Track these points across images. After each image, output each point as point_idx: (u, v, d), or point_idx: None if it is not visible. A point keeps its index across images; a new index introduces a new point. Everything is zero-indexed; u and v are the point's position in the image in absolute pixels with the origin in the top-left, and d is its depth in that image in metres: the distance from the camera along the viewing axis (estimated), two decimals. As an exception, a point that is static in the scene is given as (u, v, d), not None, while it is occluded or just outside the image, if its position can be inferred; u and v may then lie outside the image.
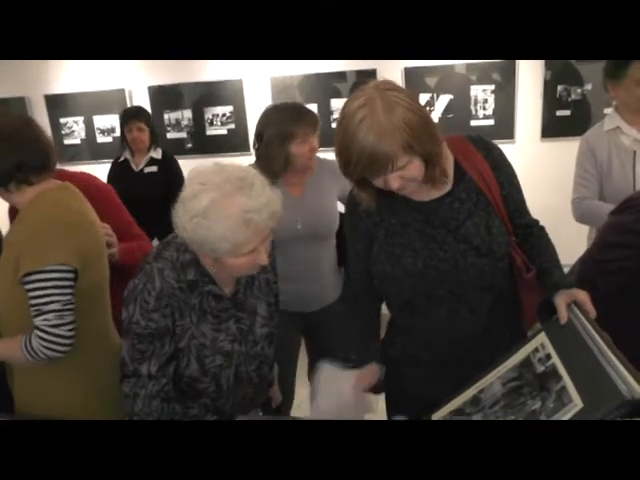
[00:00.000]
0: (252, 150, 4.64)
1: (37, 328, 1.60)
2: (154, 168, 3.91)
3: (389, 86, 1.32)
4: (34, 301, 1.60)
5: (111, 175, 4.01)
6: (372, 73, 4.39)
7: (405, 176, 1.34)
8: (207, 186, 1.34)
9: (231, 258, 1.41)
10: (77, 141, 5.27)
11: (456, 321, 1.50)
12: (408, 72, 4.40)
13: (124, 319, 1.50)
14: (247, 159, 4.70)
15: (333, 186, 2.39)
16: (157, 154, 3.95)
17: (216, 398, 1.62)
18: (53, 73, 5.17)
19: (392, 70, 4.29)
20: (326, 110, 4.53)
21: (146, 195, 3.64)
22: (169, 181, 3.77)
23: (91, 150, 5.22)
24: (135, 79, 4.98)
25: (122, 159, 4.00)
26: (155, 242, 3.38)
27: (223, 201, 1.32)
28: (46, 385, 1.74)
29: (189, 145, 4.99)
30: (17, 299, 1.65)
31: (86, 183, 2.00)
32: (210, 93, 4.81)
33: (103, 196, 2.10)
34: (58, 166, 1.84)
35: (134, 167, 3.95)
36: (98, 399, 1.77)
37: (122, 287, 1.54)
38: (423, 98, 4.42)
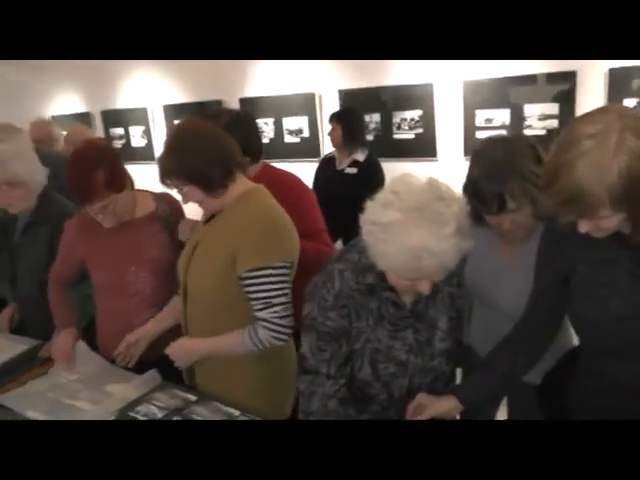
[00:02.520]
0: (438, 156, 4.73)
1: (263, 320, 1.76)
2: (354, 170, 4.09)
3: (634, 118, 1.13)
4: (261, 294, 1.75)
5: (318, 170, 4.35)
6: (570, 75, 4.09)
7: (601, 226, 1.22)
8: (400, 203, 1.31)
9: (390, 274, 1.43)
10: (266, 141, 5.64)
11: None
12: (614, 74, 4.09)
13: (305, 315, 1.58)
14: (432, 165, 4.76)
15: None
16: (360, 156, 4.11)
17: (387, 407, 1.64)
18: (248, 78, 5.60)
19: (594, 71, 3.98)
20: (518, 117, 4.33)
21: (340, 196, 3.79)
22: (365, 185, 3.88)
23: (279, 149, 5.54)
24: (326, 83, 5.18)
25: (330, 156, 4.31)
26: (339, 244, 3.56)
27: (406, 227, 1.28)
28: (229, 373, 1.89)
29: (375, 148, 4.98)
30: (231, 294, 1.80)
31: (292, 184, 2.24)
32: (400, 97, 4.84)
33: (299, 197, 2.25)
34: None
35: (337, 165, 4.20)
36: (280, 391, 1.91)
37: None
38: (629, 104, 4.10)
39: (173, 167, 1.75)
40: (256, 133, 2.35)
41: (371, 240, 1.37)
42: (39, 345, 2.31)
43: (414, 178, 1.36)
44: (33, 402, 1.93)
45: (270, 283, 1.75)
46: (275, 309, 1.75)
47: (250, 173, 2.19)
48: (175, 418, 1.77)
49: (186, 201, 1.84)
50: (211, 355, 1.88)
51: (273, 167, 2.42)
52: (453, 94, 4.61)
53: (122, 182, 2.06)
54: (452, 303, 1.62)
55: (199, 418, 1.78)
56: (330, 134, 4.22)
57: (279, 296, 1.76)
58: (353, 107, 4.52)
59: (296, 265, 1.86)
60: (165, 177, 1.78)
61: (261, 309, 1.76)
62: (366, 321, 1.54)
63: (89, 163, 1.97)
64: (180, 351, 1.91)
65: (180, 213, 2.26)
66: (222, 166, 1.76)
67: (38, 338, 2.36)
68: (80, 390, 1.99)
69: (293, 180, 2.41)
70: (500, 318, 1.75)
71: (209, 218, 1.93)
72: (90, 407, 1.87)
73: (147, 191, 2.31)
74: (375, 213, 1.35)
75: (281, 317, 1.76)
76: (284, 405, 1.97)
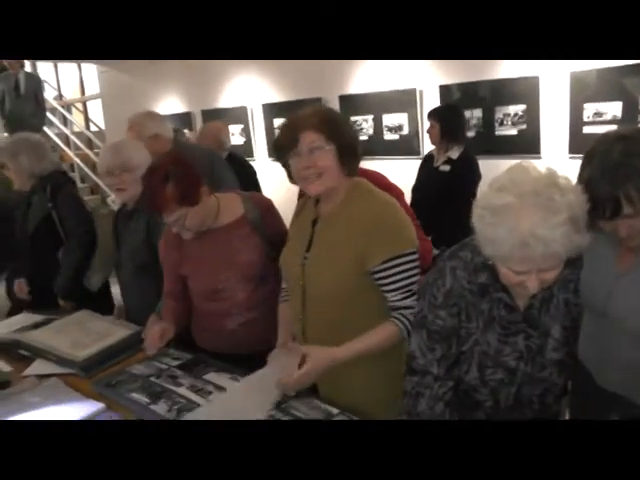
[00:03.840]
0: (542, 153, 4.61)
1: (410, 307, 1.73)
2: (447, 168, 4.08)
3: None
4: (400, 284, 1.74)
5: (419, 168, 4.38)
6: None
7: None
8: (515, 188, 1.29)
9: (499, 265, 1.38)
10: (365, 138, 5.71)
11: None
12: None
13: (416, 313, 1.59)
14: (536, 163, 4.62)
15: None
16: (453, 154, 4.10)
17: (492, 414, 1.61)
18: (348, 75, 5.69)
19: None
20: (632, 110, 4.13)
21: (434, 194, 3.83)
22: (457, 183, 3.90)
23: (378, 147, 5.59)
24: (426, 78, 5.18)
25: (430, 153, 4.35)
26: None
27: (518, 211, 1.26)
28: (347, 373, 1.83)
29: (476, 145, 4.89)
30: (356, 290, 1.79)
31: (378, 182, 2.24)
32: (503, 91, 4.75)
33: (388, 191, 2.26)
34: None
35: (434, 163, 4.22)
36: (396, 390, 1.79)
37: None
38: None
39: (327, 124, 1.76)
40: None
41: (480, 225, 1.34)
42: (142, 331, 2.39)
43: (532, 165, 1.35)
44: (138, 385, 2.07)
45: (406, 271, 1.74)
46: (416, 296, 1.73)
47: None
48: (273, 413, 1.79)
49: (319, 164, 1.75)
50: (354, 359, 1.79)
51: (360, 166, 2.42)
52: (559, 86, 4.47)
53: (194, 196, 2.06)
54: (568, 311, 1.54)
55: (298, 414, 1.80)
56: (429, 131, 4.24)
57: (416, 282, 1.75)
58: (453, 104, 4.52)
59: None
60: (310, 130, 1.75)
61: (403, 298, 1.75)
62: (476, 322, 1.52)
63: (160, 177, 2.01)
64: (324, 363, 1.75)
65: (270, 213, 2.27)
66: (356, 149, 1.81)
67: (139, 323, 2.49)
68: (181, 377, 2.11)
69: (379, 177, 2.39)
70: (610, 329, 1.60)
71: (315, 218, 1.92)
72: (191, 395, 1.97)
73: (235, 193, 2.34)
74: (488, 197, 1.33)
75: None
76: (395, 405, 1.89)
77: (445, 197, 3.78)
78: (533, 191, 1.27)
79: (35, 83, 7.97)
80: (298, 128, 1.76)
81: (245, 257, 2.18)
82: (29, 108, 7.44)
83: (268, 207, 2.29)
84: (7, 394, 2.07)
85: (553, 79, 4.50)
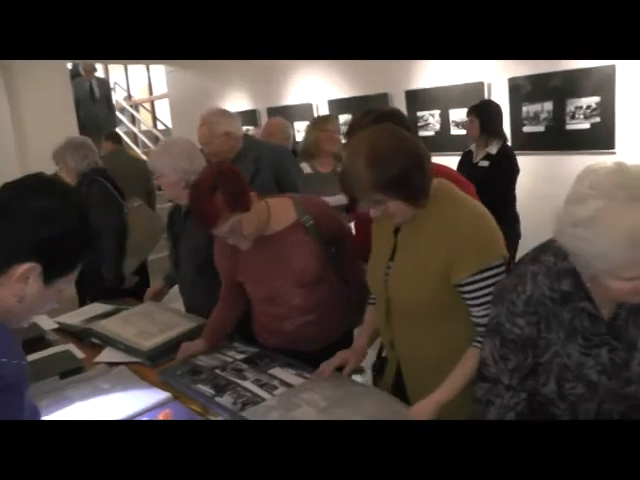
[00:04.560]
0: (616, 148, 4.44)
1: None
2: (486, 163, 4.16)
3: None
4: (487, 298, 1.64)
5: (458, 165, 4.41)
6: None
7: None
8: (596, 191, 1.19)
9: (608, 279, 1.26)
10: (431, 133, 5.67)
11: None
12: None
13: (491, 318, 1.52)
14: (610, 158, 4.48)
15: None
16: (492, 149, 4.16)
17: None
18: (414, 70, 5.65)
19: None
20: None
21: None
22: (495, 178, 3.99)
23: (445, 142, 5.53)
24: (495, 71, 5.09)
25: (468, 149, 4.43)
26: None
27: (612, 212, 1.16)
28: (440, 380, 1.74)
29: (546, 140, 4.85)
30: (445, 302, 1.72)
31: (449, 177, 2.21)
32: (574, 83, 4.59)
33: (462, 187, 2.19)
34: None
35: (473, 159, 4.30)
36: None
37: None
38: None
39: (374, 182, 1.61)
40: (408, 128, 2.23)
41: (577, 244, 1.24)
42: (205, 324, 2.48)
43: (595, 164, 1.26)
44: (203, 377, 2.13)
45: (492, 285, 1.64)
46: None
47: None
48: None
49: (387, 212, 1.69)
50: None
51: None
52: (637, 76, 4.27)
53: (245, 200, 2.03)
54: None
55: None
56: (467, 126, 4.34)
57: None
58: (492, 100, 4.60)
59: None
60: (363, 194, 1.66)
61: (484, 315, 1.65)
62: (557, 333, 1.43)
63: (207, 188, 1.98)
64: (430, 412, 1.68)
65: (325, 216, 2.24)
66: (422, 169, 1.65)
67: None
68: (246, 370, 2.15)
69: (449, 171, 2.38)
70: None
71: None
72: (256, 389, 2.01)
73: (288, 197, 2.30)
74: (571, 213, 1.23)
75: None
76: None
77: (484, 192, 3.74)
78: (618, 184, 1.18)
79: (106, 87, 8.49)
80: (353, 190, 1.68)
81: (300, 264, 2.17)
82: (103, 112, 7.79)
83: (322, 210, 2.27)
84: (80, 379, 2.18)
85: (631, 67, 4.28)
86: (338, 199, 3.21)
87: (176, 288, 2.97)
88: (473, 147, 4.35)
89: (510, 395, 1.48)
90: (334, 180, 3.21)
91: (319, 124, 4.09)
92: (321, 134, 3.99)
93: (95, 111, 7.91)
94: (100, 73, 12.09)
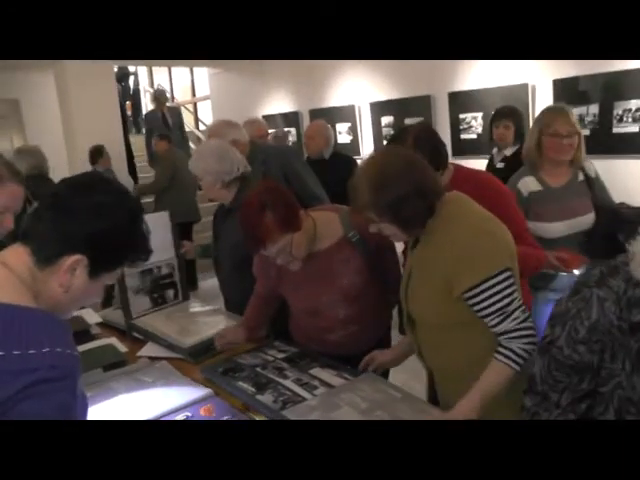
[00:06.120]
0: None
1: (507, 332, 1.69)
2: (502, 165, 4.17)
3: None
4: (492, 308, 1.68)
5: (486, 168, 4.34)
6: None
7: None
8: None
9: None
10: (473, 136, 5.64)
11: None
12: None
13: (545, 336, 1.46)
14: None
15: None
16: (508, 151, 4.15)
17: None
18: (458, 71, 5.63)
19: None
20: None
21: None
22: (506, 180, 3.94)
23: (487, 145, 5.48)
24: (539, 73, 5.03)
25: (492, 155, 4.39)
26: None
27: None
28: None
29: (592, 144, 4.71)
30: (457, 314, 1.76)
31: (488, 185, 2.22)
32: (624, 84, 4.47)
33: (497, 196, 2.18)
34: (455, 160, 1.99)
35: (494, 162, 4.29)
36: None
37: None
38: None
39: (372, 203, 1.70)
40: (441, 143, 2.24)
41: None
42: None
43: None
44: (244, 375, 2.17)
45: (497, 293, 1.67)
46: (514, 316, 1.68)
47: (445, 180, 2.19)
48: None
49: (384, 234, 1.80)
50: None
51: (463, 167, 2.38)
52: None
53: (296, 220, 2.03)
54: None
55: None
56: (501, 132, 4.17)
57: (511, 302, 1.69)
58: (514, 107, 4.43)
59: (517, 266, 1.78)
60: (360, 210, 1.76)
61: (498, 323, 1.70)
62: (622, 363, 1.33)
63: (256, 208, 1.98)
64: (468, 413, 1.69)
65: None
66: (423, 200, 1.70)
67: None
68: (287, 369, 2.18)
69: (488, 178, 2.40)
70: None
71: (415, 241, 1.89)
72: (296, 388, 2.03)
73: (333, 211, 2.30)
74: None
75: (524, 320, 1.69)
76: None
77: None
78: None
79: (178, 115, 8.77)
80: (352, 203, 1.78)
81: (346, 280, 2.19)
82: (177, 139, 7.95)
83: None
84: (123, 372, 2.26)
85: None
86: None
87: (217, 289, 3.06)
88: (495, 151, 4.30)
89: (558, 413, 1.43)
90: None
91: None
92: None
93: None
94: (144, 75, 12.41)
